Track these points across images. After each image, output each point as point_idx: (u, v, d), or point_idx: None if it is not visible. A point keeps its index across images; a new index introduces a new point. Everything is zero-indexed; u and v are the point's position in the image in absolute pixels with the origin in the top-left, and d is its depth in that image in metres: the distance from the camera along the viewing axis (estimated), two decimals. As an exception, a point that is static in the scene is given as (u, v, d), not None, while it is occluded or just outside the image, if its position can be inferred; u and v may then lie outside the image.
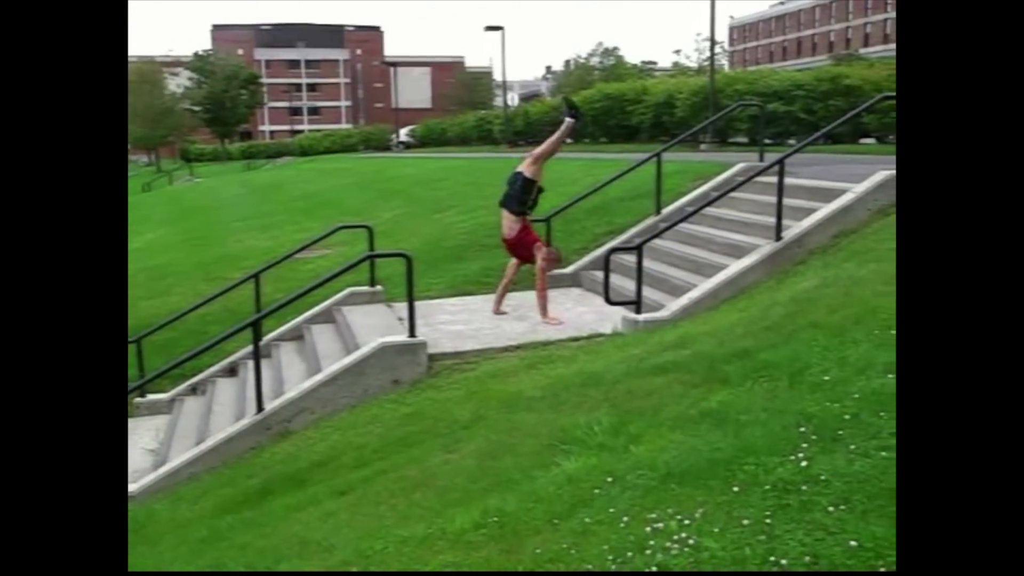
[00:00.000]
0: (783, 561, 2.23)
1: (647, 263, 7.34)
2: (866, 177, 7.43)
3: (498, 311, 7.98)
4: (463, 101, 72.56)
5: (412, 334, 6.57)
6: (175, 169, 51.31)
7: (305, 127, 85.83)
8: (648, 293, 7.18)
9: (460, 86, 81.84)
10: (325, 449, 5.54)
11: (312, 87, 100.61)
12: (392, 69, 60.30)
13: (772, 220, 7.20)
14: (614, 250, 7.71)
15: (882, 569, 2.12)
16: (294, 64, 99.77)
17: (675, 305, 6.75)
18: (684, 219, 7.77)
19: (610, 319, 7.07)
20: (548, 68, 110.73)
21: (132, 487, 6.12)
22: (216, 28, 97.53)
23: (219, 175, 42.88)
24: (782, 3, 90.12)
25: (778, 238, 7.08)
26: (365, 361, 6.48)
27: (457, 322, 7.71)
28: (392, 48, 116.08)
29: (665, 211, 9.60)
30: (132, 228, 18.08)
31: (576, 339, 6.75)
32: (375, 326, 7.50)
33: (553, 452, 3.56)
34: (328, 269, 9.18)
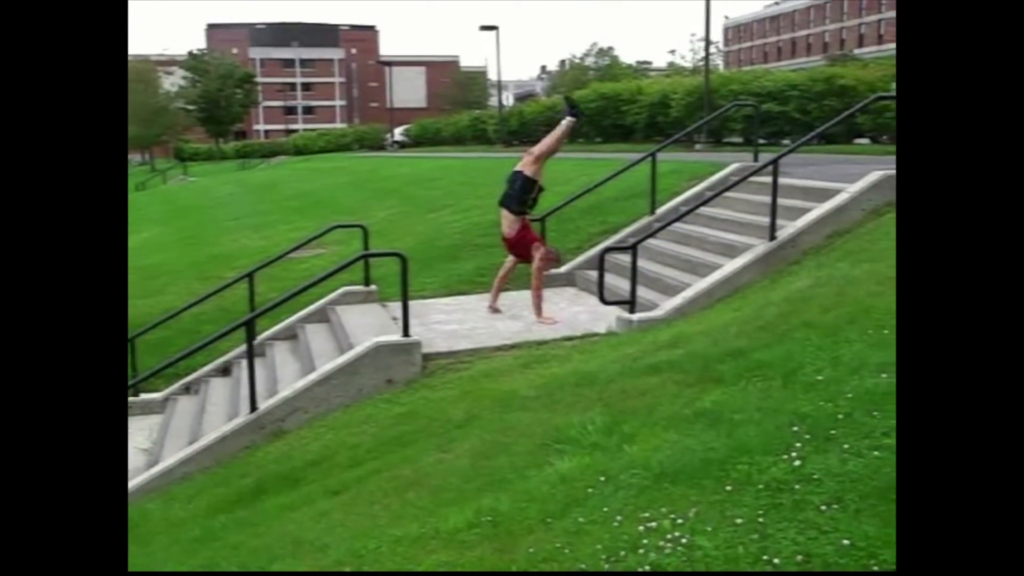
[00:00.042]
0: (776, 560, 2.24)
1: (641, 263, 7.34)
2: (860, 177, 7.45)
3: (494, 306, 7.99)
4: (458, 101, 72.55)
5: (406, 333, 6.56)
6: (169, 168, 51.18)
7: (300, 126, 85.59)
8: (642, 292, 7.19)
9: (455, 86, 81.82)
10: (319, 448, 5.53)
11: (307, 86, 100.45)
12: (387, 68, 60.27)
13: (766, 220, 7.21)
14: (608, 249, 7.70)
15: (875, 568, 2.13)
16: (289, 63, 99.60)
17: (669, 305, 6.76)
18: (678, 219, 7.78)
19: (604, 318, 7.07)
20: (543, 68, 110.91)
21: (125, 487, 6.11)
22: (211, 27, 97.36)
23: (213, 174, 42.78)
24: (777, 3, 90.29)
25: (772, 238, 7.09)
26: (359, 360, 6.47)
27: (451, 321, 7.71)
28: (387, 47, 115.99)
29: (660, 211, 9.60)
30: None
31: (570, 338, 6.75)
32: (369, 325, 7.49)
33: (547, 451, 3.56)
34: (322, 268, 9.16)
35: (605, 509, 2.75)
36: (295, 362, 7.81)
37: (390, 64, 58.59)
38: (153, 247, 17.26)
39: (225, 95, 63.87)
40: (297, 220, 17.24)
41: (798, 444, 2.88)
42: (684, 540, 2.41)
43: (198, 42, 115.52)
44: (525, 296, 7.86)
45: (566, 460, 3.35)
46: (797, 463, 2.74)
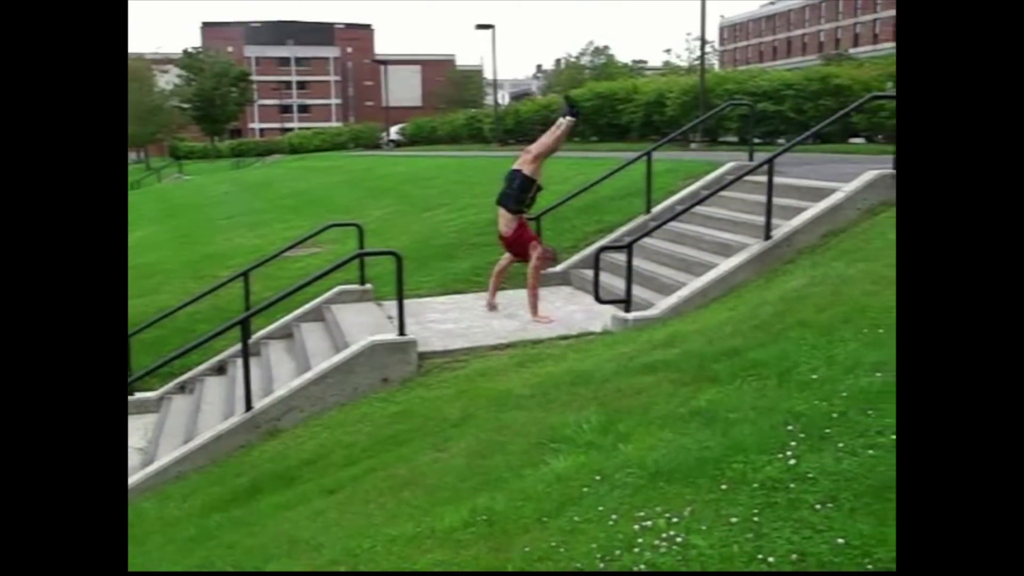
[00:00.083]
0: (771, 559, 2.24)
1: (637, 262, 7.35)
2: (855, 176, 7.46)
3: (492, 302, 8.00)
4: (453, 99, 72.44)
5: (402, 332, 6.56)
6: (164, 167, 51.08)
7: (295, 125, 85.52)
8: (638, 292, 7.20)
9: (450, 84, 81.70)
10: (314, 448, 5.53)
11: (302, 85, 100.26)
12: (382, 67, 60.19)
13: (761, 219, 7.22)
14: (604, 248, 7.71)
15: (870, 567, 2.13)
16: (284, 62, 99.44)
17: (665, 304, 6.76)
18: (674, 218, 7.79)
19: (600, 318, 7.08)
20: (539, 67, 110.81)
21: (120, 486, 6.09)
22: (206, 25, 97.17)
23: (208, 173, 42.71)
24: (772, 3, 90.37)
25: (767, 237, 7.10)
26: (355, 359, 6.47)
27: (447, 320, 7.71)
28: (382, 46, 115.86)
29: (655, 210, 9.62)
30: (120, 226, 17.94)
31: (566, 337, 6.75)
32: (365, 324, 7.48)
33: (542, 451, 3.57)
34: (318, 267, 9.16)
35: (600, 508, 2.75)
36: (290, 361, 7.80)
37: (386, 63, 58.42)
38: (148, 246, 17.22)
39: (220, 93, 63.70)
40: (292, 219, 17.22)
41: (793, 443, 2.89)
42: (679, 539, 2.42)
43: (193, 40, 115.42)
44: (521, 295, 7.86)
45: (561, 459, 3.35)
46: (792, 462, 2.74)
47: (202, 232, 18.14)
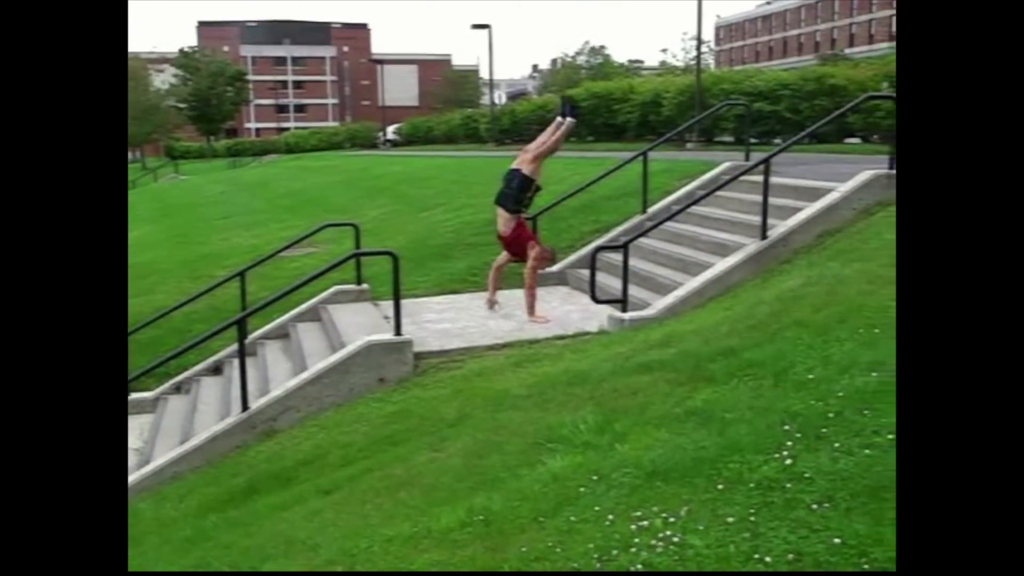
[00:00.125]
0: (767, 558, 2.24)
1: (633, 261, 7.35)
2: (851, 176, 7.47)
3: (492, 299, 8.01)
4: (450, 99, 72.43)
5: (398, 332, 6.55)
6: (160, 167, 50.96)
7: (291, 124, 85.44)
8: (634, 291, 7.20)
9: (447, 84, 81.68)
10: (311, 448, 5.52)
11: (298, 84, 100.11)
12: (379, 67, 60.11)
13: (758, 219, 7.23)
14: (600, 248, 7.71)
15: (866, 567, 2.14)
16: (280, 61, 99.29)
17: (661, 304, 6.77)
18: (670, 218, 7.79)
19: (596, 317, 7.08)
20: (535, 67, 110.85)
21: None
22: (202, 24, 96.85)
23: (204, 173, 42.63)
24: (768, 3, 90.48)
25: (764, 237, 7.11)
26: (351, 359, 6.46)
27: (443, 320, 7.71)
28: (379, 46, 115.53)
29: (651, 210, 9.62)
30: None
31: (562, 337, 6.75)
32: (361, 324, 7.48)
33: (539, 450, 3.57)
34: (314, 267, 9.14)
35: (597, 508, 2.75)
36: (287, 361, 7.79)
37: (382, 62, 58.33)
38: (143, 245, 17.18)
39: (216, 93, 63.60)
40: (288, 219, 17.20)
41: (789, 443, 2.89)
42: (676, 539, 2.42)
43: (189, 40, 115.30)
44: (518, 295, 7.86)
45: (558, 459, 3.35)
46: (788, 461, 2.75)
47: (198, 232, 18.11)
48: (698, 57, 23.23)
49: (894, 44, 39.35)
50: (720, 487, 2.69)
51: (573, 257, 9.33)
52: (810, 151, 13.78)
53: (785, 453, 2.81)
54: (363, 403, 6.14)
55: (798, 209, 7.38)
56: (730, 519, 2.47)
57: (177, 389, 8.46)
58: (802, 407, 3.20)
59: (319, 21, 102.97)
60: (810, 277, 5.52)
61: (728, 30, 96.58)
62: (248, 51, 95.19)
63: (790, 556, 2.24)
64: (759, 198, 7.24)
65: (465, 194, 14.99)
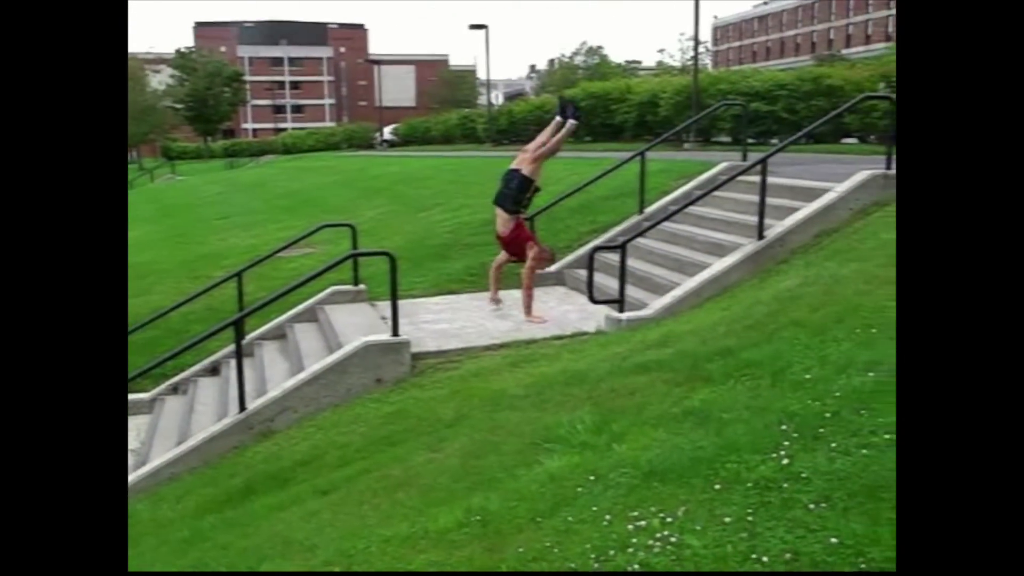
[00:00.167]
0: (764, 558, 2.24)
1: (631, 262, 7.36)
2: (848, 177, 7.48)
3: (495, 298, 8.02)
4: (447, 99, 72.44)
5: (395, 333, 6.55)
6: (157, 167, 50.91)
7: (288, 125, 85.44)
8: (631, 292, 7.20)
9: (444, 84, 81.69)
10: (308, 448, 5.51)
11: (295, 85, 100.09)
12: (376, 67, 60.11)
13: (755, 219, 7.23)
14: (598, 248, 7.71)
15: (863, 567, 2.14)
16: (277, 62, 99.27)
17: (658, 304, 6.77)
18: (667, 218, 7.80)
19: (594, 317, 7.08)
20: (532, 67, 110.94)
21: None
22: (199, 25, 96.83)
23: (201, 173, 42.60)
24: (765, 3, 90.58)
25: (761, 237, 7.12)
26: (348, 360, 6.46)
27: (441, 321, 7.70)
28: (376, 46, 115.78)
29: (648, 210, 9.62)
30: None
31: (560, 337, 6.75)
32: (358, 325, 7.47)
33: (536, 451, 3.56)
34: (311, 268, 9.14)
35: (594, 508, 2.75)
36: (284, 362, 7.78)
37: (379, 63, 58.37)
38: (141, 246, 17.15)
39: (213, 93, 63.56)
40: (286, 219, 17.18)
41: (786, 443, 2.89)
42: (673, 539, 2.42)
43: (186, 40, 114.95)
44: (515, 295, 7.86)
45: (555, 459, 3.35)
46: (785, 461, 2.75)
47: (196, 232, 18.09)
48: (695, 57, 23.23)
49: (890, 44, 39.41)
50: (717, 487, 2.69)
51: (570, 257, 9.33)
52: (807, 151, 13.79)
53: (782, 453, 2.81)
54: (360, 404, 6.14)
55: (795, 209, 7.39)
56: (727, 519, 2.47)
57: (174, 390, 8.45)
58: (799, 407, 3.20)
59: (316, 22, 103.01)
60: (807, 277, 5.52)
61: (725, 30, 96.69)
62: (245, 51, 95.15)
63: (787, 556, 2.24)
64: (756, 198, 7.25)
65: (462, 194, 14.98)
